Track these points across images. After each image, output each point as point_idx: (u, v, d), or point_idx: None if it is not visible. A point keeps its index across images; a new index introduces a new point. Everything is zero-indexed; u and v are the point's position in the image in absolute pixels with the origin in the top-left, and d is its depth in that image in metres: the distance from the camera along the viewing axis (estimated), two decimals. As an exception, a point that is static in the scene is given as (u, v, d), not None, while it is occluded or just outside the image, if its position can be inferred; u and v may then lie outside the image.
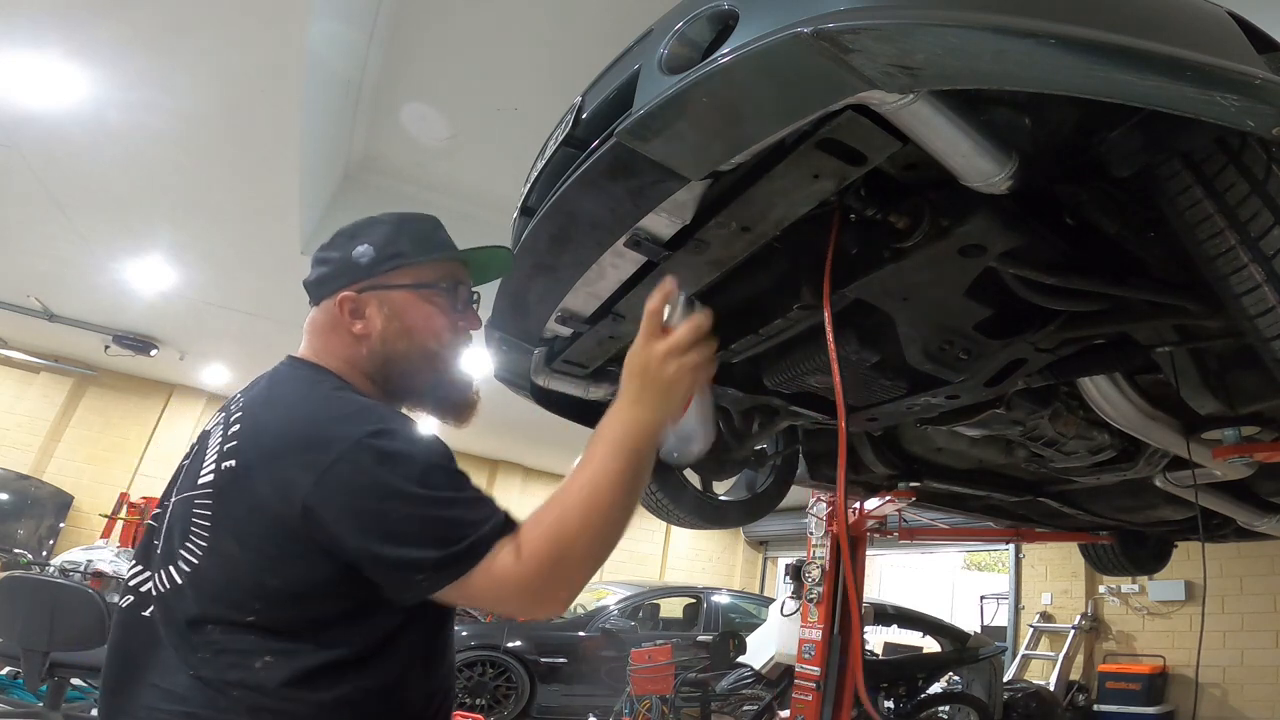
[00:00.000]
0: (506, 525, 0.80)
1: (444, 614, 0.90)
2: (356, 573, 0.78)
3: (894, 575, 11.18)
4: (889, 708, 4.48)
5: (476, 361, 1.52)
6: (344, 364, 0.94)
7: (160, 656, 0.81)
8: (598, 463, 0.82)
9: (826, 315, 1.14)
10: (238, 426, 0.86)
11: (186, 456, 0.93)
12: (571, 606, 6.48)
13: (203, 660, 0.78)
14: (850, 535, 3.85)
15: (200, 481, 0.85)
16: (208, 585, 0.81)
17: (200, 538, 0.82)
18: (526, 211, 1.40)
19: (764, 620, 6.19)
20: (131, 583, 0.89)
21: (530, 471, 10.07)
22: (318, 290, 0.98)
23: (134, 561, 0.91)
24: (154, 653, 0.81)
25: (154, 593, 0.84)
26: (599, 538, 0.80)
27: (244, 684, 0.77)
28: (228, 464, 0.83)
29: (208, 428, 0.93)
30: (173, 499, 0.89)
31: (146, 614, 0.84)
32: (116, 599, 0.91)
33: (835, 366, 1.08)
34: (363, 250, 0.96)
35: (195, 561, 0.82)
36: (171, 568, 0.83)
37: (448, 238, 1.04)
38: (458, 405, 1.02)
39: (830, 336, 1.11)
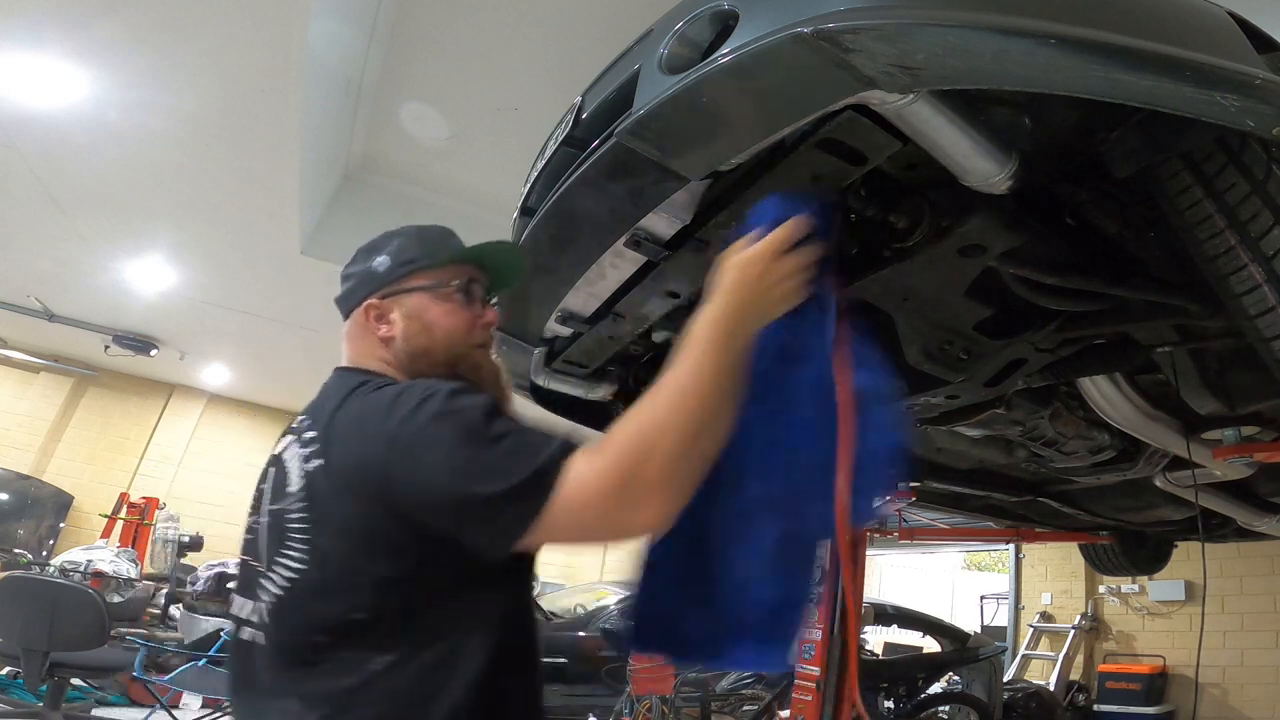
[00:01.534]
0: (571, 446, 0.78)
1: (527, 608, 0.92)
2: (441, 552, 0.79)
3: (894, 575, 11.18)
4: (889, 708, 4.48)
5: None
6: (380, 364, 1.00)
7: (273, 679, 0.83)
8: (688, 357, 0.80)
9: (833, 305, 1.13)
10: (313, 432, 0.89)
11: (263, 480, 0.95)
12: (571, 606, 6.47)
13: (307, 674, 0.80)
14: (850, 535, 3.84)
15: (289, 490, 0.87)
16: (310, 589, 0.82)
17: (299, 544, 0.84)
18: (526, 211, 1.40)
19: (764, 620, 6.18)
20: (238, 613, 0.91)
21: (530, 471, 10.04)
22: (346, 303, 1.05)
23: (236, 591, 0.94)
24: (269, 676, 0.83)
25: (257, 617, 0.86)
26: (689, 434, 0.76)
27: (346, 689, 0.78)
28: (316, 464, 0.85)
29: (278, 451, 0.96)
30: (262, 518, 0.91)
31: (253, 639, 0.86)
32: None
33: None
34: (380, 260, 1.03)
35: (297, 568, 0.83)
36: (270, 583, 0.85)
37: (459, 242, 1.08)
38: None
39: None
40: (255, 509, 0.94)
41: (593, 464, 0.75)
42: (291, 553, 0.84)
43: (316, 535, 0.83)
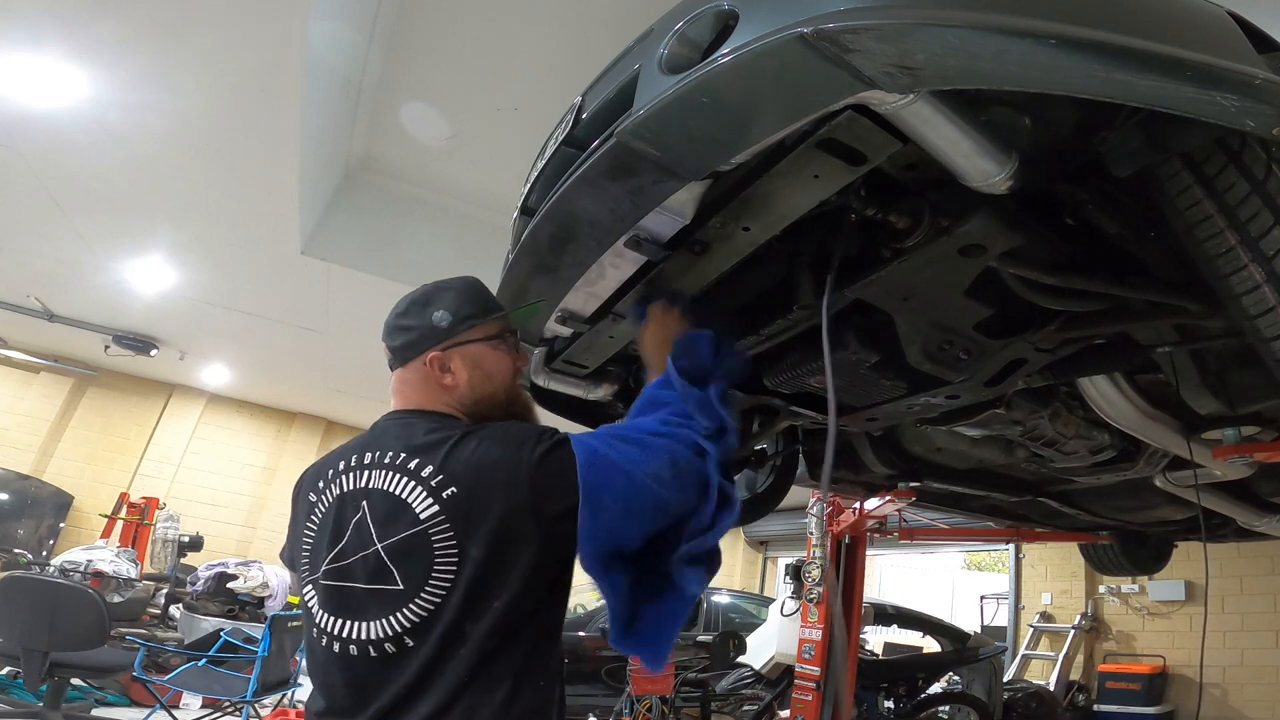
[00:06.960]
0: None
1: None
2: (556, 548, 1.01)
3: (894, 575, 11.18)
4: (889, 708, 4.48)
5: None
6: (447, 408, 1.15)
7: (412, 685, 0.95)
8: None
9: (824, 316, 1.14)
10: (430, 467, 1.02)
11: (345, 511, 1.06)
12: (571, 606, 6.47)
13: (470, 669, 0.95)
14: (851, 535, 3.86)
15: (420, 516, 0.99)
16: (469, 586, 0.96)
17: (447, 556, 0.98)
18: (527, 211, 1.40)
19: (764, 620, 6.20)
20: (342, 633, 1.01)
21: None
22: (405, 353, 1.18)
23: (323, 612, 1.04)
24: (402, 683, 0.96)
25: (387, 631, 0.98)
26: None
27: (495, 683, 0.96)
28: (450, 490, 1.00)
29: (367, 484, 1.05)
30: (374, 544, 1.01)
31: (383, 651, 0.98)
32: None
33: (828, 358, 1.07)
34: (440, 315, 1.17)
35: (450, 576, 0.97)
36: (418, 597, 0.97)
37: (493, 295, 1.27)
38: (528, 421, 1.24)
39: (825, 337, 1.11)
40: (338, 537, 1.04)
41: None
42: (442, 564, 0.98)
43: (465, 544, 0.98)
